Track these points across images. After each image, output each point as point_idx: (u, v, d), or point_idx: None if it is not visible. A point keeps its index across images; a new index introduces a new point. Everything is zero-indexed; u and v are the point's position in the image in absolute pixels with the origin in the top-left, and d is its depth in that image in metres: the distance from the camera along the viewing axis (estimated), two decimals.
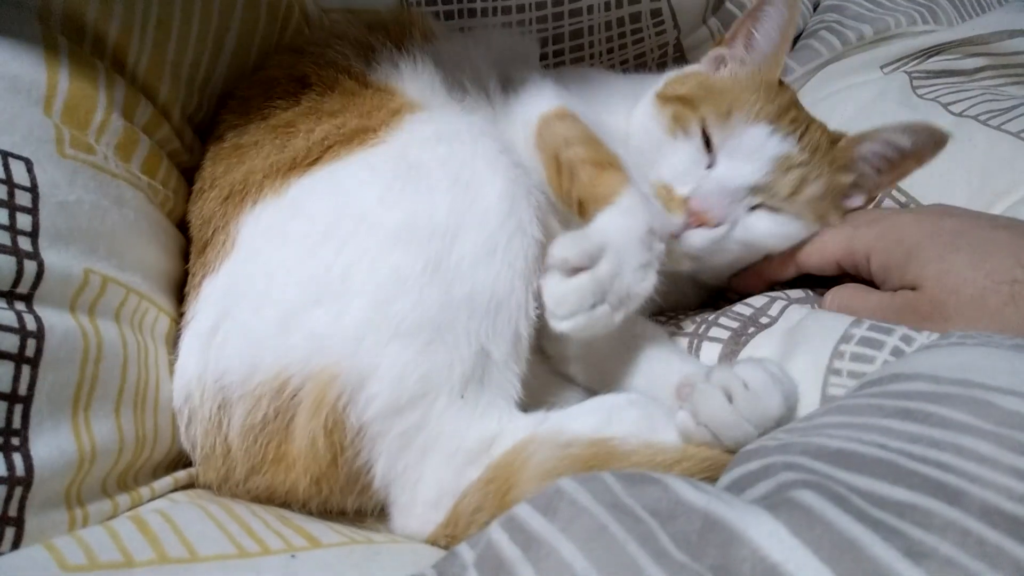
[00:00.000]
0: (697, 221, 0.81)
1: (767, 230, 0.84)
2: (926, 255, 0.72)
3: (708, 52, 0.94)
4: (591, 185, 0.76)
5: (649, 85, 0.98)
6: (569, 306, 0.67)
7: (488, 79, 0.89)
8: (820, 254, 0.84)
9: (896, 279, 0.75)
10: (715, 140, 0.84)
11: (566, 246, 0.68)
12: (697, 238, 0.81)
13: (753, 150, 0.83)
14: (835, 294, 0.82)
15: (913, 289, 0.73)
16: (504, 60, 0.93)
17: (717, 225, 0.81)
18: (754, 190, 0.83)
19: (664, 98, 0.89)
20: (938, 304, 0.68)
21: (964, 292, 0.67)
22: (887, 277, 0.77)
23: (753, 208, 0.84)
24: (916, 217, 0.77)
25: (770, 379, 0.62)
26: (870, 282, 0.81)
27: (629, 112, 0.93)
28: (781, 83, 0.89)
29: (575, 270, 0.68)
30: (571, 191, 0.78)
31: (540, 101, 0.85)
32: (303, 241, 0.67)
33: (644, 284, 0.70)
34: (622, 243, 0.70)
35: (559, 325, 0.68)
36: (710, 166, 0.84)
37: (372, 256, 0.65)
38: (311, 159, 0.71)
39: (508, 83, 0.90)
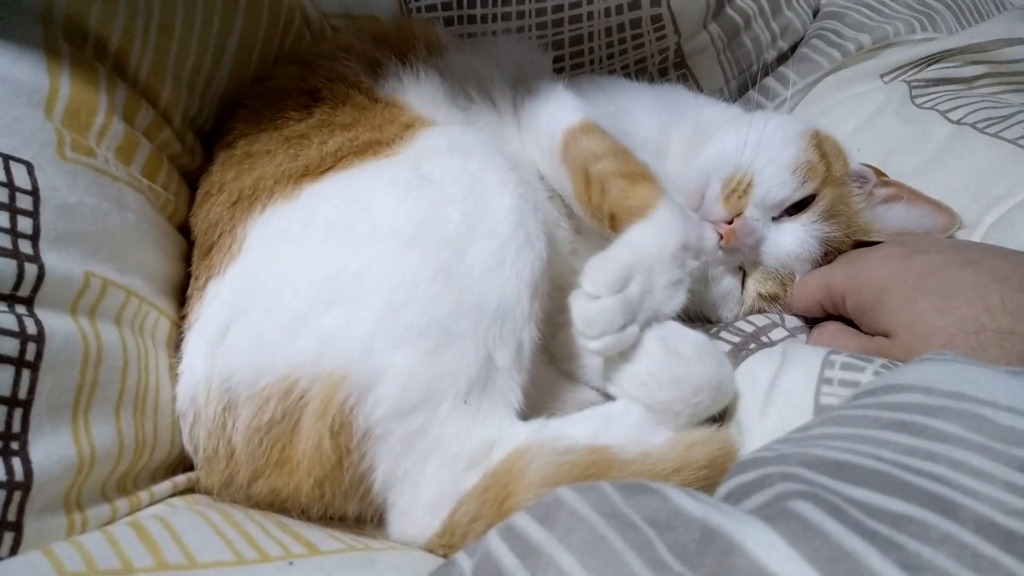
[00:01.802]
0: (726, 230, 0.85)
1: (722, 286, 0.90)
2: (895, 301, 0.73)
3: (869, 168, 0.96)
4: (623, 198, 0.77)
5: (670, 92, 1.04)
6: (599, 327, 0.69)
7: (495, 89, 0.89)
8: (803, 297, 0.87)
9: (870, 323, 0.77)
10: (804, 215, 0.88)
11: (596, 280, 0.69)
12: (707, 236, 0.85)
13: (797, 253, 0.87)
14: (818, 335, 0.84)
15: (887, 335, 0.74)
16: (515, 70, 0.93)
17: (725, 246, 0.85)
18: (756, 263, 0.88)
19: (817, 146, 0.91)
20: (910, 352, 0.68)
21: (933, 340, 0.68)
22: (862, 319, 0.79)
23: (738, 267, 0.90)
24: (885, 256, 0.79)
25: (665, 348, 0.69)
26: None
27: (656, 121, 0.96)
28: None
29: None
30: (602, 205, 0.78)
31: (563, 114, 0.85)
32: (315, 245, 0.67)
33: (673, 303, 0.73)
34: (653, 260, 0.71)
35: (588, 344, 0.70)
36: (776, 219, 0.88)
37: (384, 262, 0.65)
38: (324, 168, 0.72)
39: (520, 93, 0.90)
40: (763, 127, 0.90)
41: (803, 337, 0.85)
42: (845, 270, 0.82)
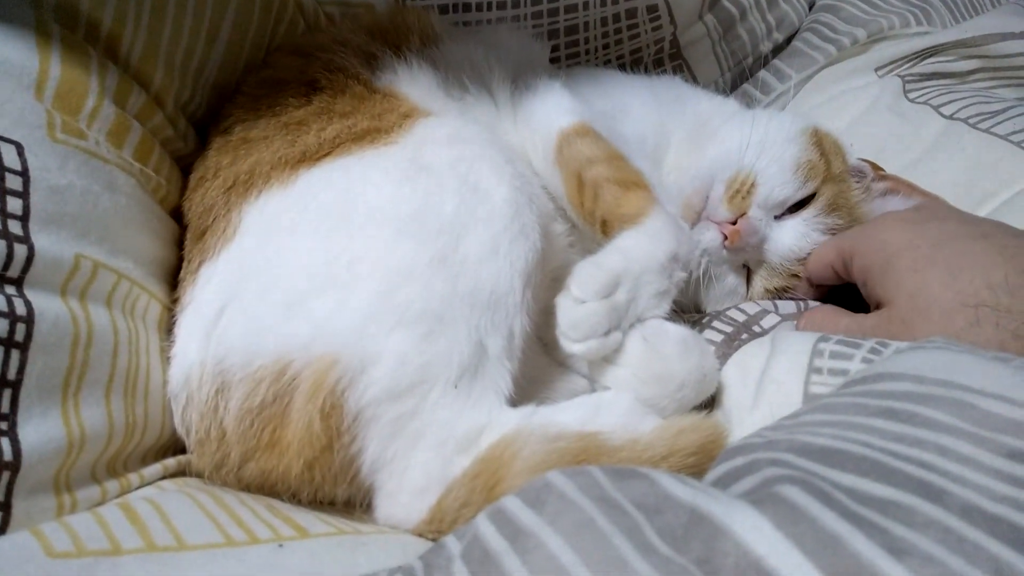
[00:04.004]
0: (730, 231, 0.85)
1: (726, 284, 0.90)
2: (903, 266, 0.72)
3: (866, 163, 0.97)
4: (616, 205, 0.78)
5: (668, 86, 1.04)
6: (583, 331, 0.70)
7: (493, 79, 0.89)
8: (818, 261, 0.86)
9: (872, 286, 0.76)
10: (807, 212, 0.89)
11: (584, 284, 0.70)
12: (711, 237, 0.87)
13: (800, 248, 0.88)
14: (808, 317, 0.83)
15: (883, 304, 0.74)
16: (512, 60, 0.93)
17: (729, 247, 0.86)
18: (760, 261, 0.89)
19: (817, 144, 0.92)
20: (907, 324, 0.69)
21: (933, 312, 0.68)
22: (866, 280, 0.77)
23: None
24: (902, 220, 0.78)
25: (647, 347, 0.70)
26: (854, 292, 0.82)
27: (654, 117, 0.96)
28: None
29: None
30: (594, 210, 0.79)
31: (558, 115, 0.85)
32: (311, 230, 0.68)
33: (657, 311, 0.73)
34: (641, 269, 0.72)
35: (571, 347, 0.71)
36: (779, 217, 0.89)
37: (380, 247, 0.66)
38: (321, 154, 0.72)
39: (517, 85, 0.90)
40: (765, 126, 0.91)
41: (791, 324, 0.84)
42: (859, 231, 0.82)
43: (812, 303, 0.87)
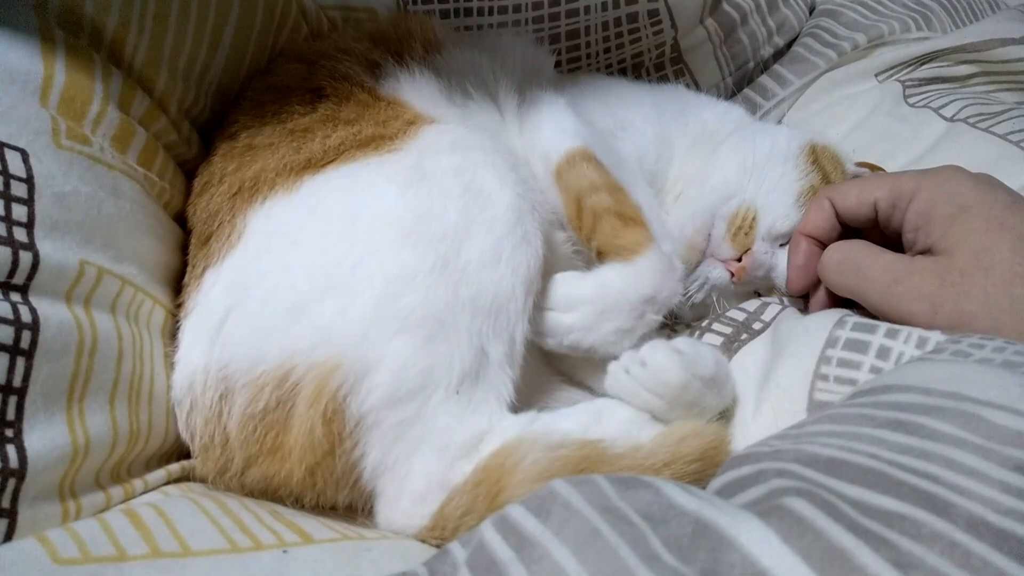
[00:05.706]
0: (736, 268, 0.86)
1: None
2: (975, 220, 0.68)
3: (865, 167, 0.97)
4: (613, 237, 0.78)
5: (671, 95, 1.04)
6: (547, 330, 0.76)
7: (498, 86, 0.89)
8: (859, 194, 0.77)
9: (933, 233, 0.70)
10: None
11: (552, 296, 0.75)
12: (718, 274, 0.88)
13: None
14: (838, 248, 0.76)
15: (931, 252, 0.70)
16: (517, 66, 0.93)
17: (736, 283, 0.87)
18: (770, 288, 0.90)
19: (815, 163, 0.92)
20: (965, 276, 0.66)
21: (995, 272, 0.65)
22: (923, 225, 0.71)
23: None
24: (971, 177, 0.72)
25: (669, 354, 0.67)
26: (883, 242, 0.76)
27: (655, 129, 0.96)
28: None
29: None
30: (591, 237, 0.79)
31: (561, 137, 0.84)
32: (315, 236, 0.68)
33: (612, 348, 0.74)
34: (608, 304, 0.74)
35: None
36: (783, 244, 0.89)
37: (383, 253, 0.66)
38: (326, 161, 0.73)
39: (522, 94, 0.90)
40: (759, 148, 0.91)
41: (795, 312, 0.81)
42: (919, 175, 0.74)
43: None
